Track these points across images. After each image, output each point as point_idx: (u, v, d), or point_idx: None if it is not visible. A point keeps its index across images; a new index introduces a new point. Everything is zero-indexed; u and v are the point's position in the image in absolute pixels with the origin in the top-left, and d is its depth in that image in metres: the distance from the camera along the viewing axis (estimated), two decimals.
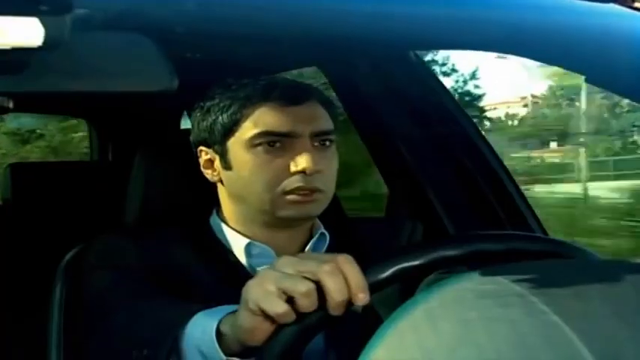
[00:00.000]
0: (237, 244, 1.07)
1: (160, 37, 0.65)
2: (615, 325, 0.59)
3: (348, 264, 0.72)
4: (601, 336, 0.58)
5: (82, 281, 1.07)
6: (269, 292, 0.72)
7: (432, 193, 1.56)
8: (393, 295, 0.81)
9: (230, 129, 1.04)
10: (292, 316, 0.71)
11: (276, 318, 0.71)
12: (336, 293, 0.70)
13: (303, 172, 1.01)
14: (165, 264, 1.04)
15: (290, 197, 1.02)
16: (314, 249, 1.09)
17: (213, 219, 1.11)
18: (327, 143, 1.05)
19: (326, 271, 0.71)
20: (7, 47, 0.52)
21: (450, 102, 1.58)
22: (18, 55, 0.53)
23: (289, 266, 0.73)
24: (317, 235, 1.09)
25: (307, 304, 0.71)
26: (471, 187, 1.55)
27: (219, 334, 0.79)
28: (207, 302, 0.87)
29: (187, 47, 1.20)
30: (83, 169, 2.40)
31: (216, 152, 1.07)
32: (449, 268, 0.89)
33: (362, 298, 0.71)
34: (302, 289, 0.71)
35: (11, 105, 0.60)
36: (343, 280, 0.71)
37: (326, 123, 1.06)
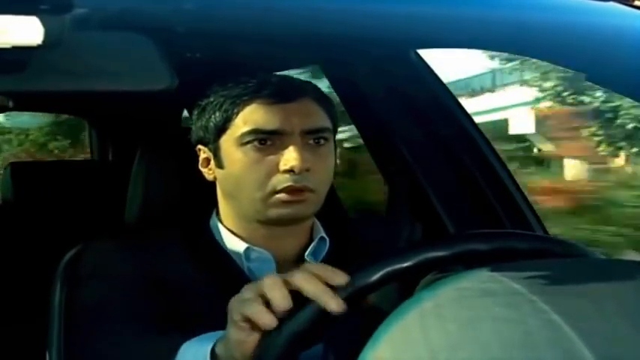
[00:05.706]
0: (236, 248, 1.06)
1: (159, 37, 0.65)
2: (616, 325, 0.59)
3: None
4: (602, 335, 0.57)
5: (77, 290, 1.07)
6: (247, 299, 0.75)
7: (432, 193, 1.56)
8: (393, 294, 0.81)
9: (222, 127, 1.03)
10: (273, 318, 0.73)
11: (256, 321, 0.73)
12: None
13: (292, 170, 0.99)
14: (163, 271, 1.03)
15: (280, 196, 1.01)
16: (314, 253, 1.08)
17: (213, 221, 1.10)
18: (322, 141, 1.03)
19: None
20: (7, 46, 0.52)
21: (450, 101, 1.58)
22: (18, 54, 0.53)
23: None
24: (317, 240, 1.08)
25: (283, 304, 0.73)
26: (471, 187, 1.55)
27: (214, 357, 0.80)
28: (206, 308, 0.87)
29: (187, 46, 1.19)
30: (83, 168, 2.40)
31: (211, 150, 1.06)
32: (444, 269, 0.88)
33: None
34: (277, 294, 0.73)
35: (11, 104, 0.60)
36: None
37: (319, 120, 1.04)
